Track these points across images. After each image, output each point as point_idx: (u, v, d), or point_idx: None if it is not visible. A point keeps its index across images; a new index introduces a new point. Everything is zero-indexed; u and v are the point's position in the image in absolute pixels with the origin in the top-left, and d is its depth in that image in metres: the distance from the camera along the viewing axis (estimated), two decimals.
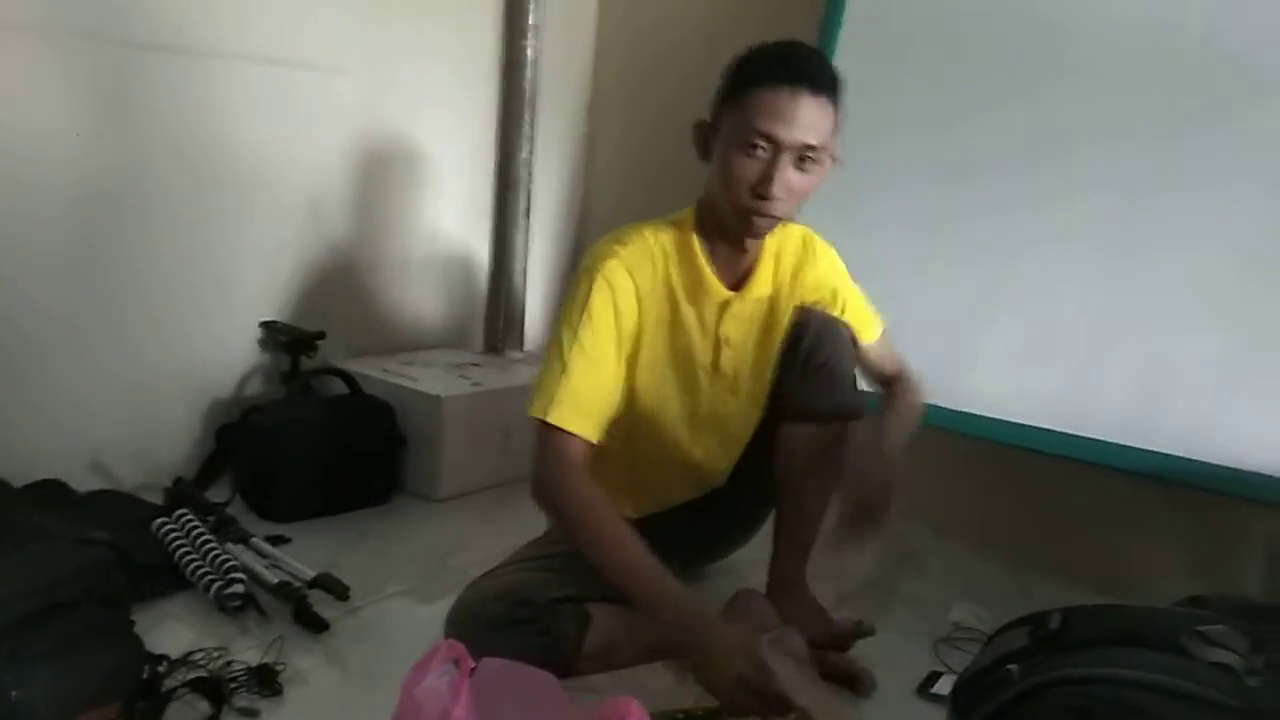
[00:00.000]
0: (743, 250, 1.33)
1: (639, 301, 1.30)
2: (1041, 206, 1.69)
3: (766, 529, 1.50)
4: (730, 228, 1.28)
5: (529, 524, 1.48)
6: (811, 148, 1.19)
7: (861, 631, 1.37)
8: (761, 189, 1.20)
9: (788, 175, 1.20)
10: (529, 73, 2.31)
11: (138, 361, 1.82)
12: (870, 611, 1.55)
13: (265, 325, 1.97)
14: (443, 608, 1.33)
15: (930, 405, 1.54)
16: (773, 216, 1.23)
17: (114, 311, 1.77)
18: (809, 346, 1.37)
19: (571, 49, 2.54)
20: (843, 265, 1.47)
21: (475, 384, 2.04)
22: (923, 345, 1.59)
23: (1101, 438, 1.56)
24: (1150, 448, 1.52)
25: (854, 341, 1.42)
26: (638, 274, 1.30)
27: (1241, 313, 1.51)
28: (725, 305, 1.35)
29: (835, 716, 1.19)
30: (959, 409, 1.68)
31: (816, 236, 1.45)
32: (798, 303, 1.40)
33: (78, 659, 1.04)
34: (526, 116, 2.33)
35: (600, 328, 1.26)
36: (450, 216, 2.36)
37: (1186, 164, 1.57)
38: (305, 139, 2.01)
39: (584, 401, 1.24)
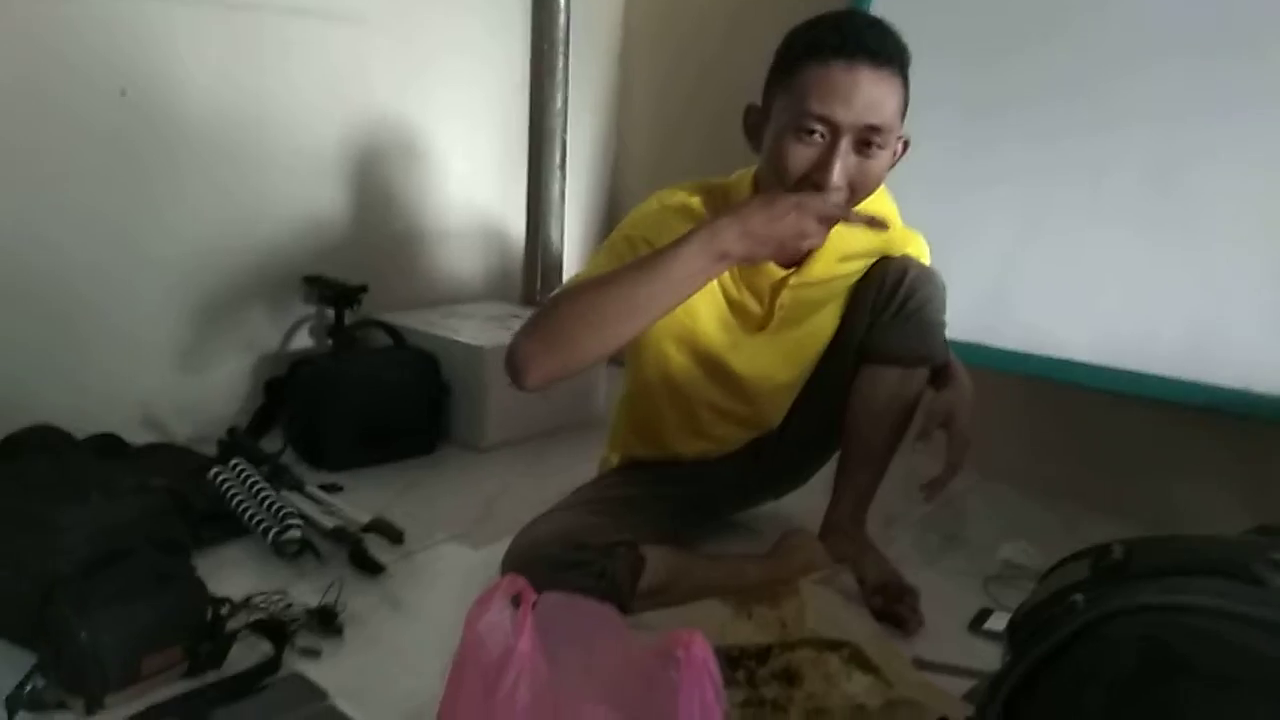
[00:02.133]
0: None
1: None
2: (1085, 136, 1.65)
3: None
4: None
5: (573, 471, 1.50)
6: (875, 129, 1.07)
7: (911, 594, 1.34)
8: (819, 178, 1.08)
9: (849, 162, 1.08)
10: (561, 19, 2.27)
11: (184, 316, 1.84)
12: (920, 556, 1.55)
13: (308, 280, 1.98)
14: (492, 552, 1.35)
15: (974, 343, 1.51)
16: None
17: (158, 266, 1.79)
18: (906, 291, 1.32)
19: None
20: (913, 236, 1.41)
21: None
22: (966, 282, 1.56)
23: (1152, 371, 1.53)
24: (1202, 380, 1.49)
25: (946, 290, 1.36)
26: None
27: None
28: (781, 284, 1.29)
29: (885, 651, 1.19)
30: (1004, 347, 1.66)
31: (889, 205, 1.35)
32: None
33: (141, 602, 1.07)
34: (560, 64, 2.29)
35: (638, 247, 1.16)
36: (485, 169, 2.35)
37: (1231, 86, 1.51)
38: (337, 93, 2.00)
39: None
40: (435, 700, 1.08)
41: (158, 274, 1.79)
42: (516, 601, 0.85)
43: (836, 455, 1.45)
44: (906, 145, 1.18)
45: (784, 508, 1.64)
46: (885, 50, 1.07)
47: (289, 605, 1.25)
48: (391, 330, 1.97)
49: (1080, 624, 0.85)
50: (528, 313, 2.28)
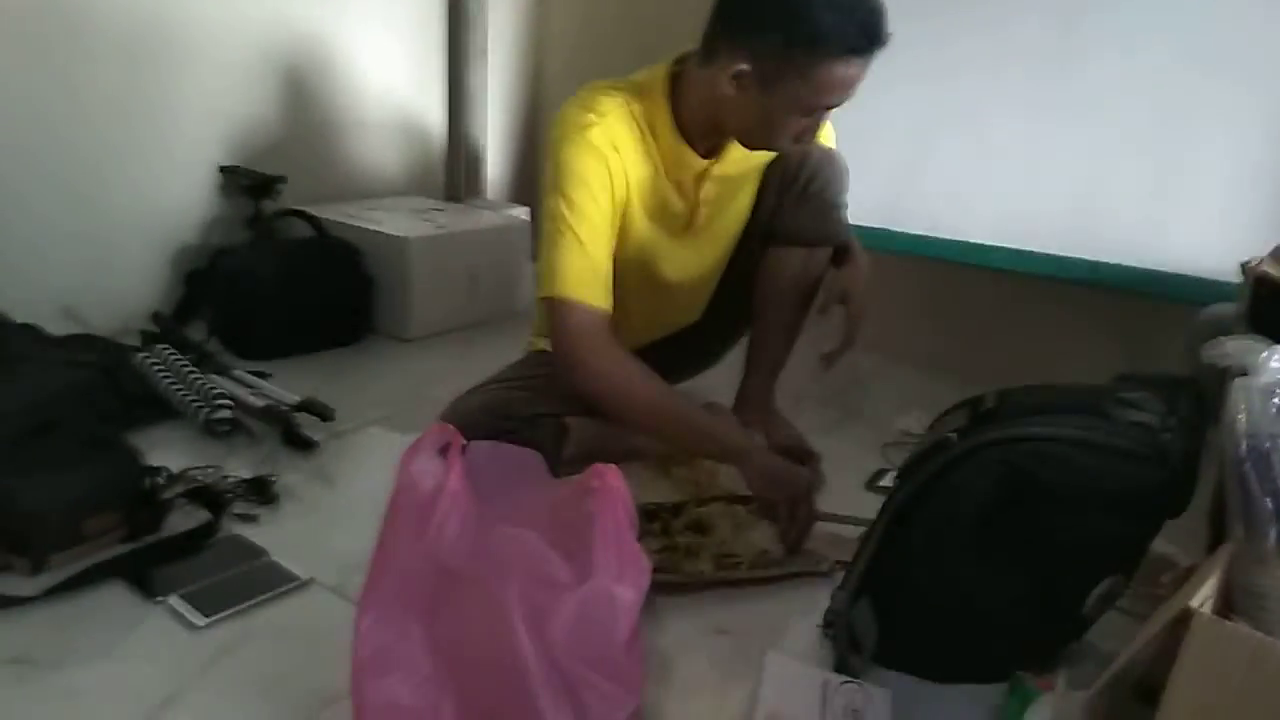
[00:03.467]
0: (726, 138, 1.31)
1: (625, 169, 1.27)
2: (978, 34, 1.72)
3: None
4: (734, 139, 1.29)
5: (499, 360, 1.54)
6: None
7: (813, 456, 1.45)
8: (805, 140, 1.25)
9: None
10: None
11: (99, 208, 1.81)
12: (824, 425, 1.66)
13: (225, 170, 1.96)
14: (421, 428, 1.39)
15: (881, 228, 1.60)
16: None
17: (71, 155, 1.75)
18: (808, 174, 1.38)
19: None
20: (828, 127, 1.47)
21: (440, 227, 2.06)
22: (875, 171, 1.64)
23: (1041, 249, 1.64)
24: (1086, 256, 1.61)
25: (848, 174, 1.42)
26: (620, 142, 1.25)
27: (1170, 126, 1.57)
28: (703, 173, 1.34)
29: None
30: (907, 230, 1.76)
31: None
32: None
33: (78, 468, 1.11)
34: None
35: (597, 195, 1.23)
36: (403, 57, 2.31)
37: None
38: None
39: (593, 272, 1.23)
40: (369, 554, 1.16)
41: (74, 164, 1.75)
42: (445, 451, 0.91)
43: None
44: None
45: (700, 383, 1.73)
46: (884, 38, 1.14)
47: (225, 477, 1.29)
48: (313, 221, 1.97)
49: (951, 457, 0.95)
50: (451, 207, 2.33)
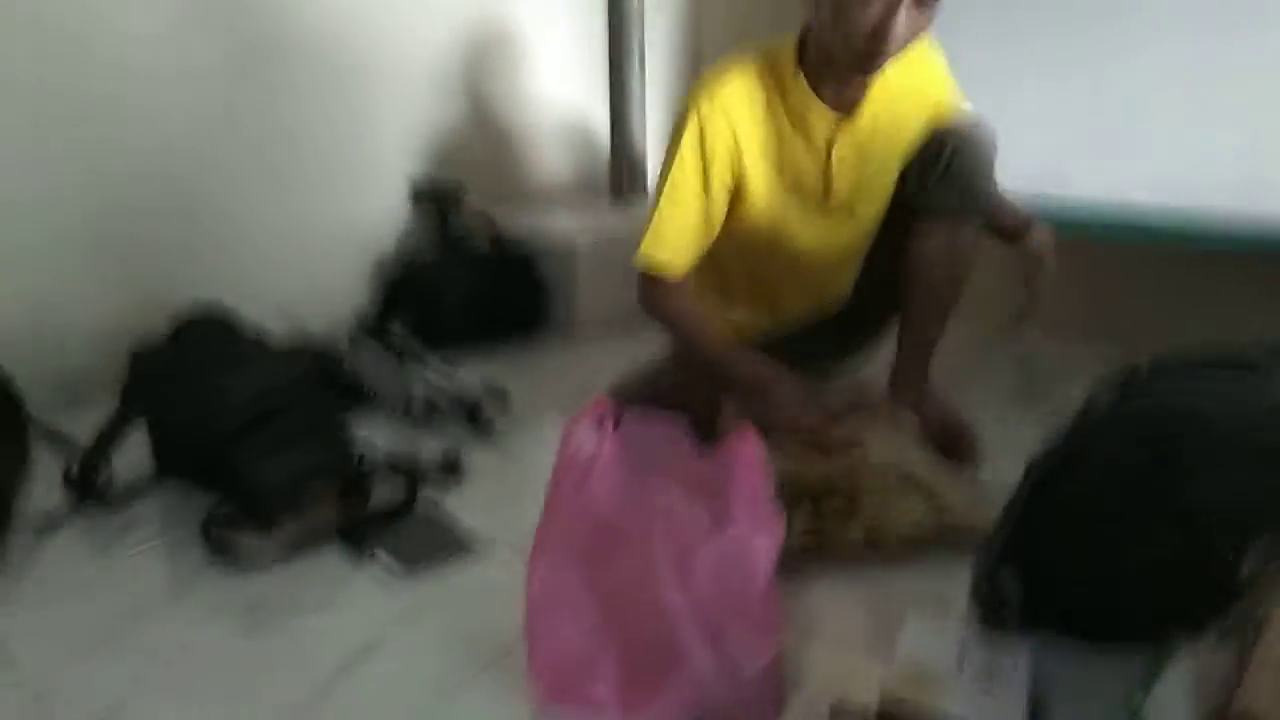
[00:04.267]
0: (851, 84, 1.33)
1: (736, 137, 1.34)
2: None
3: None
4: (842, 68, 1.29)
5: (658, 352, 1.64)
6: None
7: (969, 432, 1.45)
8: (880, 36, 1.18)
9: (904, 19, 1.17)
10: None
11: (308, 227, 2.05)
12: (986, 403, 1.65)
13: (414, 185, 2.17)
14: None
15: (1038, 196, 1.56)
16: (888, 59, 1.22)
17: (277, 174, 1.98)
18: (949, 155, 1.37)
19: None
20: (949, 78, 1.47)
21: (606, 228, 2.18)
22: (1028, 139, 1.61)
23: (1209, 217, 1.56)
24: (1262, 222, 1.53)
25: (995, 149, 1.40)
26: (734, 109, 1.33)
27: None
28: (835, 132, 1.37)
29: (942, 478, 1.31)
30: (1066, 204, 1.71)
31: (929, 50, 1.43)
32: (912, 114, 1.42)
33: (302, 447, 1.29)
34: None
35: (688, 168, 1.34)
36: (567, 63, 2.47)
37: None
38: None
39: (674, 239, 1.38)
40: None
41: (280, 178, 1.99)
42: (603, 421, 1.01)
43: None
44: None
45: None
46: None
47: (421, 454, 1.46)
48: (492, 227, 2.15)
49: (1096, 420, 0.96)
50: (618, 208, 2.46)
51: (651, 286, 1.42)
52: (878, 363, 1.65)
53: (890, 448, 1.40)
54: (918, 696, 0.82)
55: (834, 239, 1.49)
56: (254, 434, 1.28)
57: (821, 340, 1.63)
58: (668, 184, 1.36)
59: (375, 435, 1.56)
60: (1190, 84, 1.61)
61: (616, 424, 1.00)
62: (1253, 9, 1.55)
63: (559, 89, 2.47)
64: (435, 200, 2.14)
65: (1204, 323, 1.76)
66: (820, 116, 1.36)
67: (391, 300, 2.11)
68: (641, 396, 1.41)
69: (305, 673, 1.01)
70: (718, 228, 1.42)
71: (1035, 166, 1.56)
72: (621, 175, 2.49)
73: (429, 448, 1.50)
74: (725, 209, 1.41)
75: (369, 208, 2.15)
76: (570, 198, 2.50)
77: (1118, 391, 1.05)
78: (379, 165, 2.14)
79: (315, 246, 2.07)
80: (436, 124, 2.22)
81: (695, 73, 2.72)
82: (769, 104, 1.36)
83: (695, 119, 1.34)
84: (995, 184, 1.42)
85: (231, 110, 1.90)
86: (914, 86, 1.43)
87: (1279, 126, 1.53)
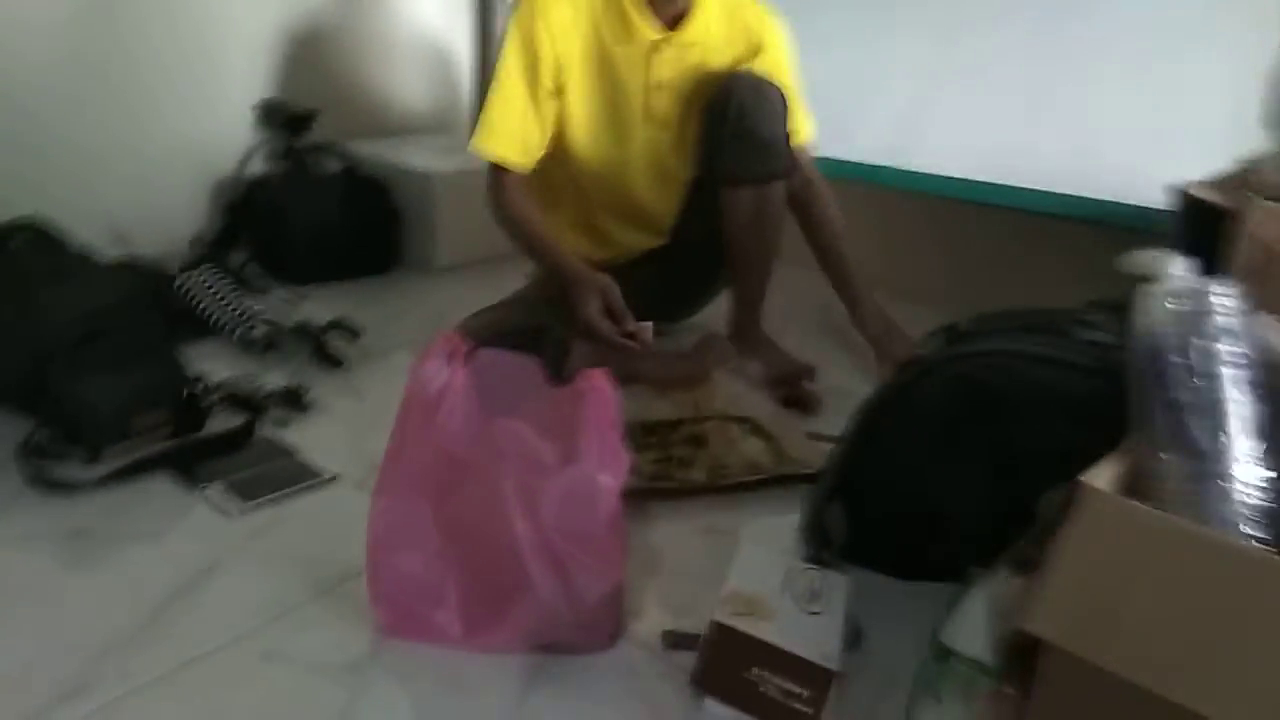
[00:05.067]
0: None
1: (556, 38, 1.42)
2: None
3: None
4: None
5: (517, 287, 1.64)
6: None
7: (808, 374, 1.53)
8: None
9: None
10: None
11: (146, 141, 1.92)
12: (819, 357, 1.73)
13: (262, 104, 2.05)
14: None
15: (886, 167, 1.65)
16: None
17: (117, 92, 1.86)
18: (736, 111, 1.42)
19: None
20: (789, 52, 1.53)
21: (466, 161, 2.13)
22: (880, 110, 1.70)
23: (1040, 188, 1.69)
24: (1083, 194, 1.67)
25: (784, 102, 1.46)
26: (553, 17, 1.41)
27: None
28: (655, 47, 1.43)
29: (781, 425, 1.39)
30: (914, 170, 1.81)
31: (772, 16, 1.51)
32: (731, 51, 1.48)
33: (128, 370, 1.23)
34: None
35: (513, 66, 1.43)
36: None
37: None
38: None
39: (504, 132, 1.46)
40: None
41: (120, 97, 1.86)
42: (451, 357, 1.01)
43: None
44: None
45: (699, 320, 1.80)
46: None
47: (261, 386, 1.41)
48: (343, 155, 2.06)
49: (917, 373, 1.03)
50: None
51: (492, 183, 1.50)
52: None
53: (733, 393, 1.47)
54: (743, 621, 0.87)
55: (655, 157, 1.53)
56: (78, 355, 1.21)
57: (655, 284, 1.67)
58: (496, 82, 1.45)
59: (215, 366, 1.49)
60: (1025, 64, 1.73)
61: (467, 359, 1.00)
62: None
63: (422, 22, 2.38)
64: (282, 123, 2.04)
65: (1024, 288, 1.92)
66: (645, 24, 1.42)
67: (233, 225, 2.01)
68: (491, 335, 1.41)
69: (130, 601, 0.97)
70: (548, 129, 1.47)
71: (881, 139, 1.64)
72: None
73: (272, 380, 1.45)
74: (554, 113, 1.47)
75: (212, 130, 2.03)
76: (430, 131, 2.42)
77: (941, 344, 1.13)
78: (225, 87, 2.02)
79: (153, 166, 1.95)
80: (289, 48, 2.11)
81: None
82: (594, 10, 1.42)
83: (517, 23, 1.42)
84: (786, 139, 1.48)
85: (68, 24, 1.75)
86: (743, 27, 1.49)
87: (1104, 108, 1.66)
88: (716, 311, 1.75)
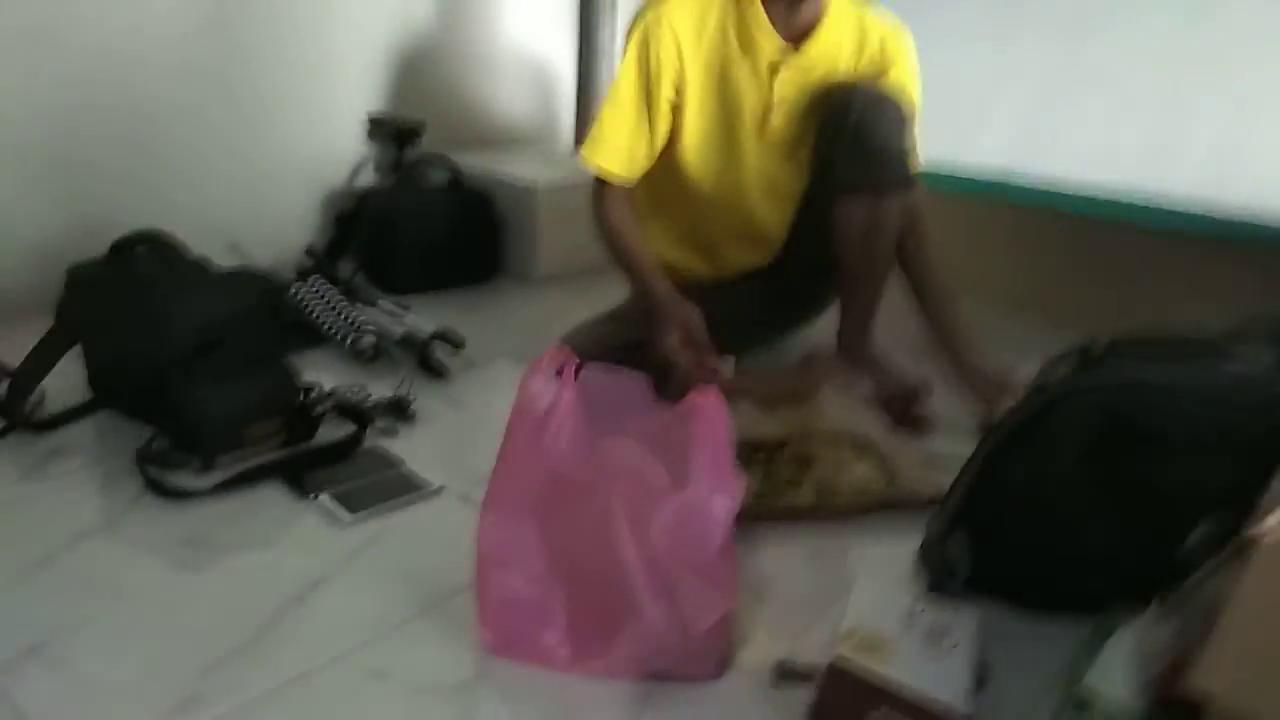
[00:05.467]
0: (801, 6, 1.36)
1: (680, 51, 1.38)
2: None
3: None
4: None
5: (617, 299, 1.62)
6: None
7: (922, 395, 1.46)
8: None
9: None
10: None
11: (260, 154, 1.98)
12: (936, 378, 1.66)
13: (372, 117, 2.09)
14: None
15: (1007, 180, 1.57)
16: None
17: (234, 103, 1.91)
18: (855, 119, 1.38)
19: None
20: (916, 76, 1.47)
21: (568, 173, 2.14)
22: (996, 119, 1.61)
23: (1176, 205, 1.58)
24: (1224, 212, 1.55)
25: (904, 114, 1.41)
26: (680, 23, 1.38)
27: None
28: (780, 61, 1.39)
29: (892, 446, 1.32)
30: (1034, 186, 1.72)
31: (903, 37, 1.45)
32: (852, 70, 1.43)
33: (243, 380, 1.25)
34: None
35: (631, 77, 1.40)
36: (535, 10, 2.40)
37: None
38: None
39: (613, 144, 1.43)
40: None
41: (236, 107, 1.92)
42: (560, 371, 0.99)
43: None
44: None
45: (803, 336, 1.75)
46: None
47: (368, 396, 1.42)
48: (450, 166, 2.09)
49: (1044, 402, 0.96)
50: (577, 155, 2.41)
51: (595, 193, 1.48)
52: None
53: (842, 412, 1.41)
54: (865, 658, 0.82)
55: (769, 174, 1.49)
56: (196, 364, 1.24)
57: (762, 301, 1.63)
58: (611, 92, 1.42)
59: (322, 375, 1.51)
60: (1161, 65, 1.62)
61: (574, 374, 0.98)
62: None
63: (526, 33, 2.40)
64: (392, 134, 2.07)
65: (1155, 306, 1.81)
66: (769, 40, 1.38)
67: (342, 236, 2.05)
68: (597, 349, 1.39)
69: (242, 612, 0.98)
70: (660, 142, 1.45)
71: (1003, 142, 1.56)
72: (584, 124, 2.43)
73: (377, 389, 1.46)
74: (668, 125, 1.44)
75: (324, 142, 2.07)
76: (532, 144, 2.44)
77: (1074, 366, 1.06)
78: (337, 100, 2.07)
79: (267, 177, 2.00)
80: (398, 62, 2.15)
81: None
82: (719, 23, 1.39)
83: (641, 31, 1.38)
84: (910, 150, 1.42)
85: (188, 39, 1.81)
86: (872, 46, 1.44)
87: (1248, 114, 1.55)
88: (822, 326, 1.70)
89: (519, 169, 2.13)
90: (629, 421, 0.97)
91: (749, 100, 1.43)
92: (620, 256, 1.46)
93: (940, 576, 1.02)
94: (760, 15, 1.37)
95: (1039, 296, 1.97)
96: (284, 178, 2.03)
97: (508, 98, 2.41)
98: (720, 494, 0.84)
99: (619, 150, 1.43)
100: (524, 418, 0.95)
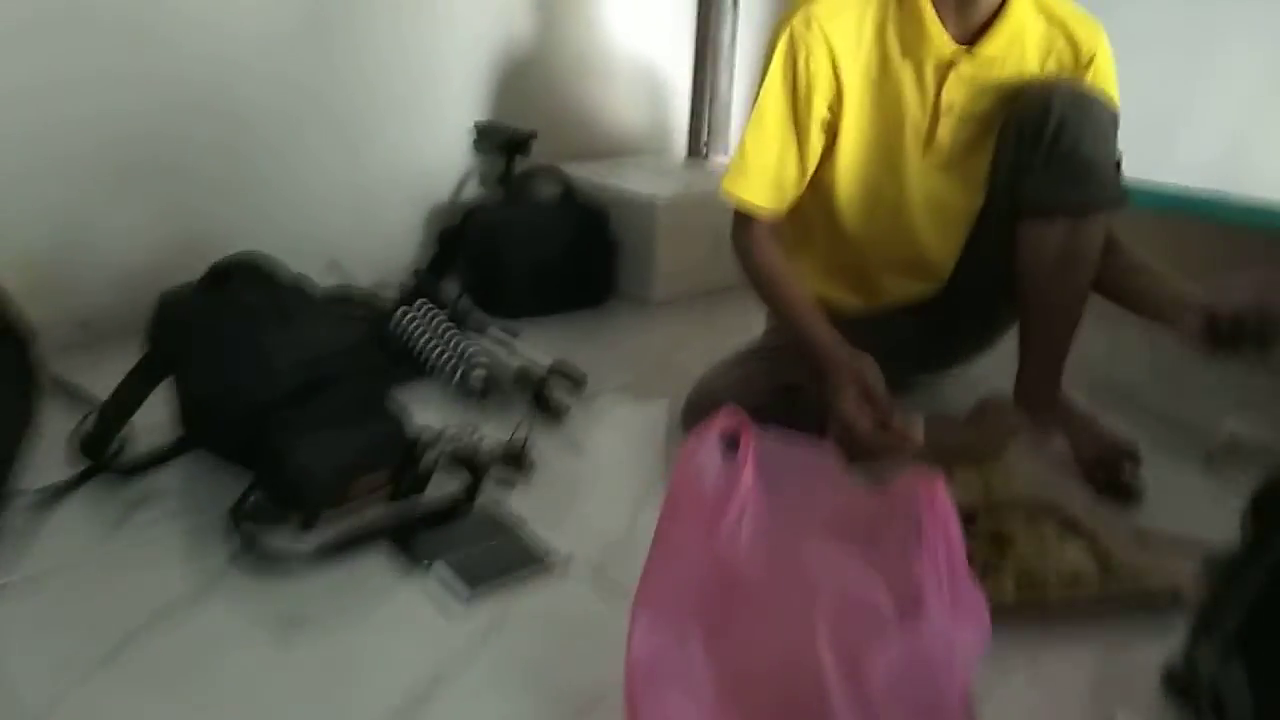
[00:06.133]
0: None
1: (834, 60, 1.19)
2: None
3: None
4: None
5: (744, 326, 1.45)
6: None
7: (1130, 450, 1.24)
8: None
9: None
10: None
11: (361, 167, 1.85)
12: (1126, 426, 1.43)
13: (479, 127, 1.95)
14: (667, 401, 1.38)
15: (1213, 198, 1.34)
16: None
17: (334, 118, 1.79)
18: (1054, 127, 1.16)
19: None
20: (1114, 75, 1.24)
21: (687, 187, 1.96)
22: (1202, 131, 1.37)
23: None
24: None
25: (1114, 120, 1.19)
26: (833, 27, 1.18)
27: None
28: (950, 63, 1.18)
29: (1099, 519, 1.11)
30: (1248, 200, 1.47)
31: (1100, 31, 1.22)
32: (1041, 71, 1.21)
33: (350, 429, 1.10)
34: None
35: (777, 96, 1.22)
36: (652, 11, 2.23)
37: None
38: None
39: (758, 173, 1.24)
40: (627, 535, 1.09)
41: (336, 124, 1.79)
42: (733, 440, 0.81)
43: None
44: None
45: (970, 375, 1.54)
46: None
47: (482, 439, 1.26)
48: (563, 179, 1.93)
49: None
50: (695, 164, 2.24)
51: (738, 227, 1.29)
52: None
53: (1034, 477, 1.19)
54: None
55: (936, 196, 1.28)
56: (298, 408, 1.09)
57: (922, 335, 1.42)
58: (755, 113, 1.24)
59: (429, 412, 1.37)
60: None
61: (750, 444, 0.80)
62: None
63: (642, 37, 2.23)
64: (500, 145, 1.92)
65: None
66: (937, 40, 1.17)
67: (447, 254, 1.91)
68: (739, 395, 1.20)
69: (345, 707, 0.82)
70: (811, 167, 1.26)
71: (1209, 163, 1.30)
72: (702, 135, 2.26)
73: (488, 431, 1.30)
74: (821, 146, 1.25)
75: (427, 154, 1.94)
76: (645, 154, 2.27)
77: None
78: (441, 111, 1.93)
79: (367, 193, 1.87)
80: (504, 68, 2.00)
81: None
82: (877, 23, 1.19)
83: (788, 41, 1.19)
84: (1116, 165, 1.20)
85: (290, 47, 1.70)
86: (1066, 34, 1.21)
87: None
88: (987, 365, 1.48)
89: (635, 182, 1.96)
90: (820, 507, 0.79)
91: (912, 110, 1.22)
92: (774, 302, 1.27)
93: (1207, 713, 0.80)
94: (928, 10, 1.16)
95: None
96: (385, 192, 1.90)
97: (621, 105, 2.25)
98: (964, 625, 0.65)
99: (765, 181, 1.24)
100: (689, 497, 0.77)
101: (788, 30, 1.19)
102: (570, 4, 2.08)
